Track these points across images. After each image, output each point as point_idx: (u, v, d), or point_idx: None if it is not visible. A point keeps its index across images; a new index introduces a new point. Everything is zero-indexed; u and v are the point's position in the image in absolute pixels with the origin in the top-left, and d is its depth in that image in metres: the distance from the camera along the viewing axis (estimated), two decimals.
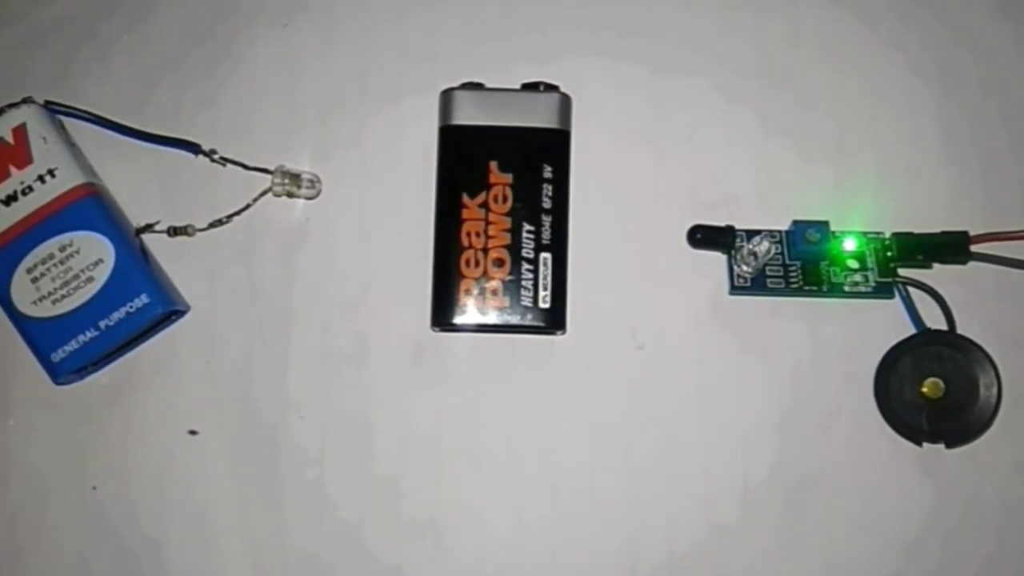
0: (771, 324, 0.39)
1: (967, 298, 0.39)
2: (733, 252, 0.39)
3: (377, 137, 0.41)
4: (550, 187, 0.39)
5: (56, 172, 0.38)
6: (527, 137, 0.39)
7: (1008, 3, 0.42)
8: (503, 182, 0.39)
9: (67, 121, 0.40)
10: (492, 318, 0.38)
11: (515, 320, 0.38)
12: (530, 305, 0.38)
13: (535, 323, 0.38)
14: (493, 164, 0.39)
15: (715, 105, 0.41)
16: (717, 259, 0.40)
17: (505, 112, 0.39)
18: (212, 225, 0.40)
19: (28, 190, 0.38)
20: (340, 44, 0.42)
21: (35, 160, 0.38)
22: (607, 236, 0.40)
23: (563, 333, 0.39)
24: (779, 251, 0.39)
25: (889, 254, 0.39)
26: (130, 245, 0.39)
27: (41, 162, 0.38)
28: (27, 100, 0.39)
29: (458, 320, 0.38)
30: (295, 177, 0.40)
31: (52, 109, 0.40)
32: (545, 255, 0.38)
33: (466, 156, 0.39)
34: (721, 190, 0.40)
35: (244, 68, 0.41)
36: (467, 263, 0.38)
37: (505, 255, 0.38)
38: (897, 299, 0.39)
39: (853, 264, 0.39)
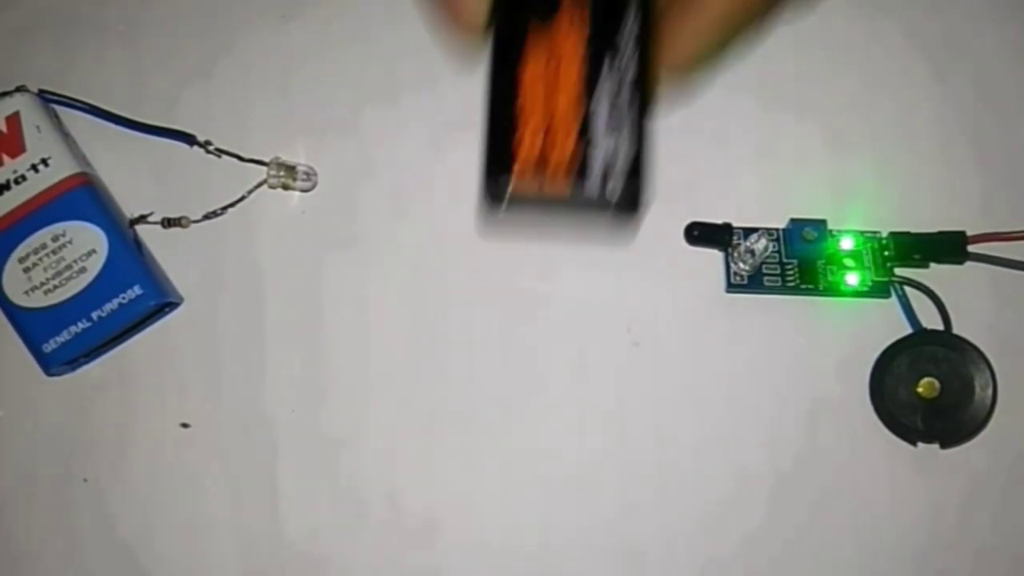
0: (767, 322, 0.39)
1: (963, 298, 0.39)
2: (730, 250, 0.39)
3: (374, 130, 0.41)
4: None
5: (49, 161, 0.38)
6: None
7: (1006, 3, 0.42)
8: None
9: (61, 110, 0.40)
10: (554, 193, 0.30)
11: (582, 198, 0.30)
12: (599, 184, 0.30)
13: (605, 203, 0.30)
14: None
15: (713, 101, 0.41)
16: (714, 256, 0.40)
17: None
18: (207, 217, 0.40)
19: (21, 179, 0.38)
20: (337, 36, 0.41)
21: (28, 149, 0.38)
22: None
23: (635, 216, 0.31)
24: (776, 249, 0.39)
25: (886, 253, 0.39)
26: (123, 236, 0.38)
27: (34, 151, 0.38)
28: (21, 89, 0.39)
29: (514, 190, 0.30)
30: (291, 169, 0.40)
31: (46, 98, 0.40)
32: (623, 125, 0.30)
33: None
34: (719, 187, 0.40)
35: (241, 59, 0.41)
36: (526, 121, 0.30)
37: (573, 122, 0.30)
38: (893, 299, 0.39)
39: (850, 263, 0.39)
